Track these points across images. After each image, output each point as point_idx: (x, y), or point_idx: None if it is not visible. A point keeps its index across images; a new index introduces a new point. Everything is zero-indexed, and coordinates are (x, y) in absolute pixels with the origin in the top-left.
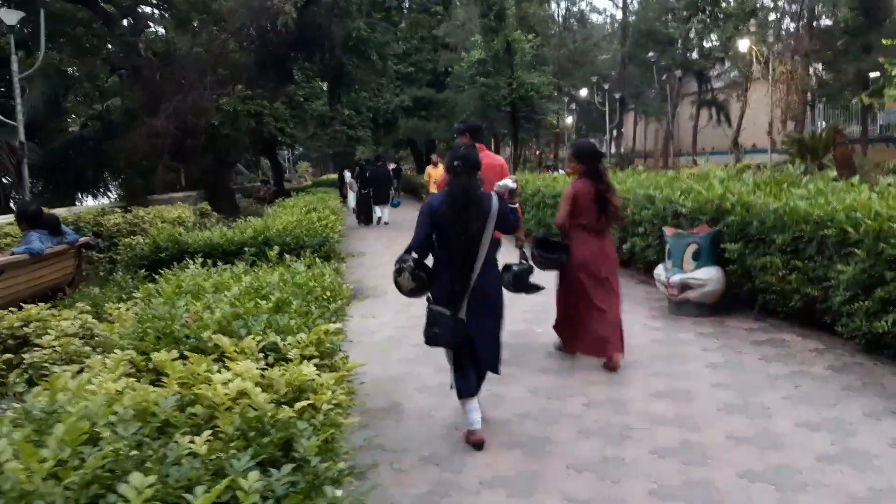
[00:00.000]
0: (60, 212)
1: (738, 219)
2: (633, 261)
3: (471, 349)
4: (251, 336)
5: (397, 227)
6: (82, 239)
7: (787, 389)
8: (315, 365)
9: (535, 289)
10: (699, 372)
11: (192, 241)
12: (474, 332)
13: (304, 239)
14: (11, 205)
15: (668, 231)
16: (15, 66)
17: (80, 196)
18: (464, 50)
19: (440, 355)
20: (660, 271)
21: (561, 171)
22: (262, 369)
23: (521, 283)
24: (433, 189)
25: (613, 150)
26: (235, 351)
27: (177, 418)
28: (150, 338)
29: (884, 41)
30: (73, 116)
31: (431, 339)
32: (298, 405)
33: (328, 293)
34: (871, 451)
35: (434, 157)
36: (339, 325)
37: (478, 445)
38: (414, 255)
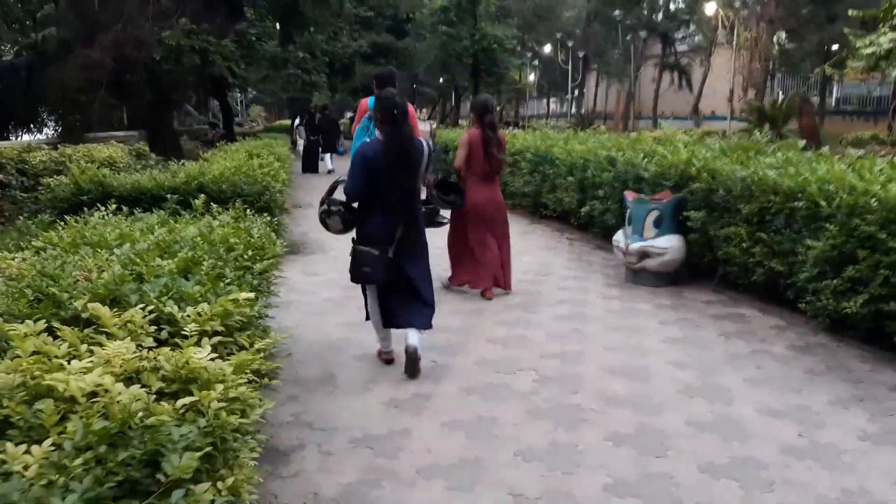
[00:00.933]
0: None
1: (703, 186)
2: (591, 225)
3: (408, 288)
4: (142, 305)
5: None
6: None
7: (748, 370)
8: (219, 342)
9: (441, 224)
10: (656, 347)
11: (117, 183)
12: (410, 271)
13: (241, 187)
14: None
15: (629, 196)
16: None
17: (11, 130)
18: None
19: None
20: (619, 237)
21: (517, 130)
22: (150, 348)
23: (430, 220)
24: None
25: (574, 109)
26: (117, 325)
27: (21, 415)
28: (23, 301)
29: (850, 12)
30: (7, 46)
31: (362, 276)
32: (181, 402)
33: (250, 252)
34: (840, 446)
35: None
36: (252, 293)
37: (389, 361)
38: (341, 198)
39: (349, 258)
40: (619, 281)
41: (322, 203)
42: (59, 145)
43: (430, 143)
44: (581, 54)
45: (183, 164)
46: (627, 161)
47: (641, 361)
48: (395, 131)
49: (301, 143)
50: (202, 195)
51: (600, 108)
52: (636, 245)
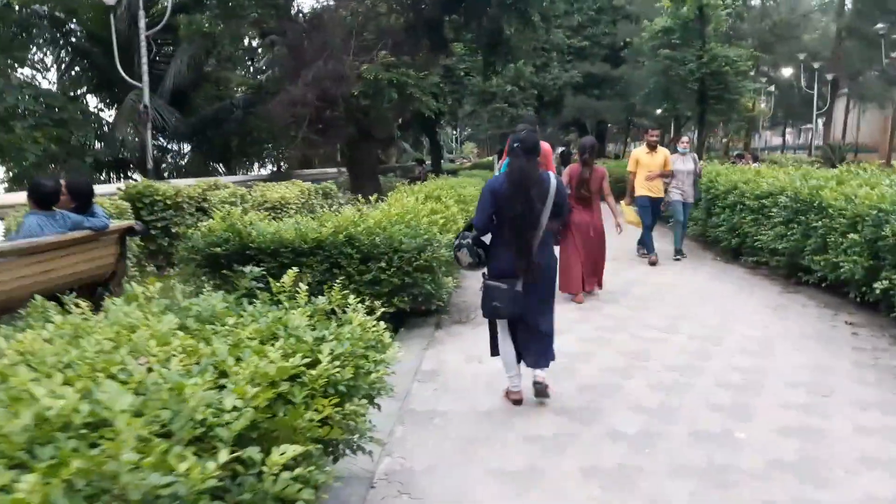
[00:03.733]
0: (178, 183)
1: None
2: (888, 305)
3: (531, 321)
4: None
5: None
6: (120, 224)
7: None
8: None
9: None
10: None
11: (256, 234)
12: (531, 306)
13: (399, 240)
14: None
15: None
16: (142, 24)
17: (226, 166)
18: (646, 19)
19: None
20: None
21: (756, 165)
22: None
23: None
24: (639, 185)
25: (820, 141)
26: None
27: None
28: None
29: None
30: (237, 87)
31: (492, 312)
32: None
33: (255, 428)
34: None
35: (652, 134)
36: None
37: (518, 402)
38: (473, 232)
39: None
40: None
41: (456, 239)
42: (249, 184)
43: (561, 182)
44: (830, 77)
45: (337, 209)
46: None
47: None
48: (515, 164)
49: None
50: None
51: (849, 139)
52: None
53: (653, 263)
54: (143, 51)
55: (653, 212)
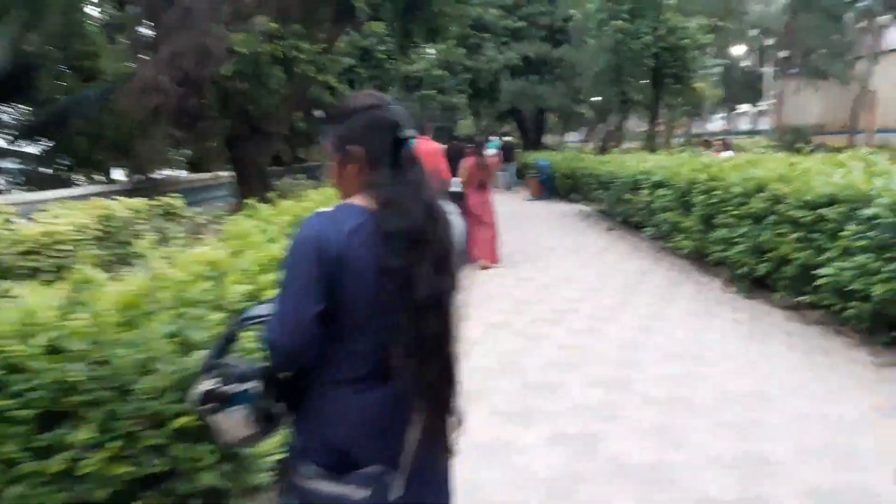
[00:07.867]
0: None
1: None
2: None
3: None
4: None
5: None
6: None
7: None
8: None
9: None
10: None
11: None
12: None
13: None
14: None
15: None
16: None
17: (101, 172)
18: None
19: None
20: None
21: (730, 153)
22: None
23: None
24: None
25: (771, 124)
26: None
27: None
28: None
29: None
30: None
31: None
32: None
33: None
34: None
35: None
36: None
37: None
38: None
39: None
40: None
41: (202, 376)
42: (64, 200)
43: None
44: (783, 54)
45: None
46: None
47: None
48: (402, 182)
49: None
50: None
51: (796, 121)
52: None
53: None
54: None
55: None
